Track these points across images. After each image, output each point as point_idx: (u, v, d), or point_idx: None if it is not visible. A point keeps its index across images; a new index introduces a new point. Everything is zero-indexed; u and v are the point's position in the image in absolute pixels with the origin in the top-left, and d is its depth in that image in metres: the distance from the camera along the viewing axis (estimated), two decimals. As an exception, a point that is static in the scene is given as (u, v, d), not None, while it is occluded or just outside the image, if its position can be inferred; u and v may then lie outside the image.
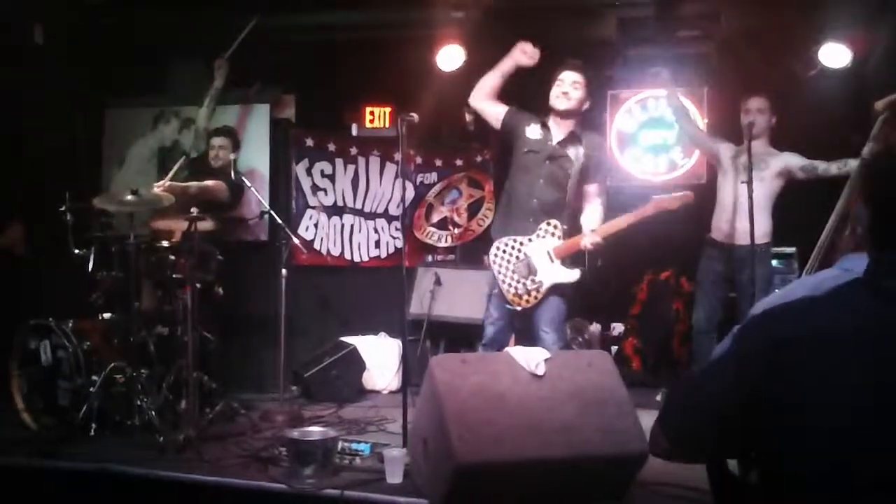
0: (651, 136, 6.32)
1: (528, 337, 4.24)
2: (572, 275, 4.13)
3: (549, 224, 4.16)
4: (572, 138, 4.22)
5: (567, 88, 4.18)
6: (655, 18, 5.79)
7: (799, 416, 1.37)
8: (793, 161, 4.78)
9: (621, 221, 4.10)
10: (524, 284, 4.15)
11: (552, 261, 4.12)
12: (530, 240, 4.17)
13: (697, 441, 1.57)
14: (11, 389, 4.46)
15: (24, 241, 5.39)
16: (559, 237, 4.15)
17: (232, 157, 5.33)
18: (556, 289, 4.14)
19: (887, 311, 1.36)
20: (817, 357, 1.37)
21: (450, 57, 5.68)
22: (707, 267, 4.96)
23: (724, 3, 5.67)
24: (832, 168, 4.60)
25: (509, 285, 4.17)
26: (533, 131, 4.25)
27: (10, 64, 5.21)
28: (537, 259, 4.14)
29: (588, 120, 6.35)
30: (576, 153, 4.19)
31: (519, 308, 4.17)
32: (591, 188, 4.23)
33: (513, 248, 4.19)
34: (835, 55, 5.15)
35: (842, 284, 1.43)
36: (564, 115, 4.21)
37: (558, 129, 4.24)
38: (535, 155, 4.22)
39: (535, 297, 4.13)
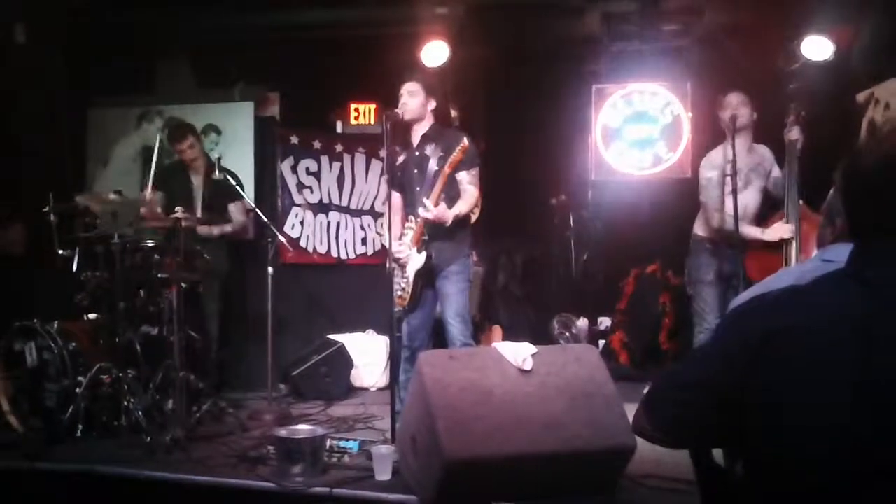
0: (636, 130, 6.33)
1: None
2: (421, 258, 4.24)
3: (411, 220, 4.32)
4: (425, 140, 4.38)
5: (405, 99, 4.35)
6: (639, 13, 5.81)
7: (787, 409, 1.37)
8: (776, 173, 4.77)
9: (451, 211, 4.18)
10: (402, 283, 4.31)
11: (412, 250, 4.26)
12: (401, 241, 4.33)
13: (681, 429, 1.58)
14: (-3, 392, 4.44)
15: (24, 241, 5.35)
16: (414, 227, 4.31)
17: (215, 155, 5.30)
18: (420, 276, 4.26)
19: (873, 301, 1.37)
20: (805, 348, 1.36)
21: (434, 53, 5.68)
22: (708, 265, 4.78)
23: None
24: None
25: (397, 287, 4.33)
26: (400, 159, 4.45)
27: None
28: (406, 254, 4.28)
29: (571, 113, 6.47)
30: (431, 150, 4.33)
31: (402, 308, 4.35)
32: (460, 176, 4.29)
33: (397, 254, 4.33)
34: (817, 48, 5.17)
35: (827, 274, 1.43)
36: (413, 122, 4.38)
37: (416, 136, 4.42)
38: (409, 171, 4.41)
39: (407, 291, 4.29)
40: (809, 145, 4.60)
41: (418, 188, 4.32)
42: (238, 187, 5.18)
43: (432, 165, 4.27)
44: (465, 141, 4.12)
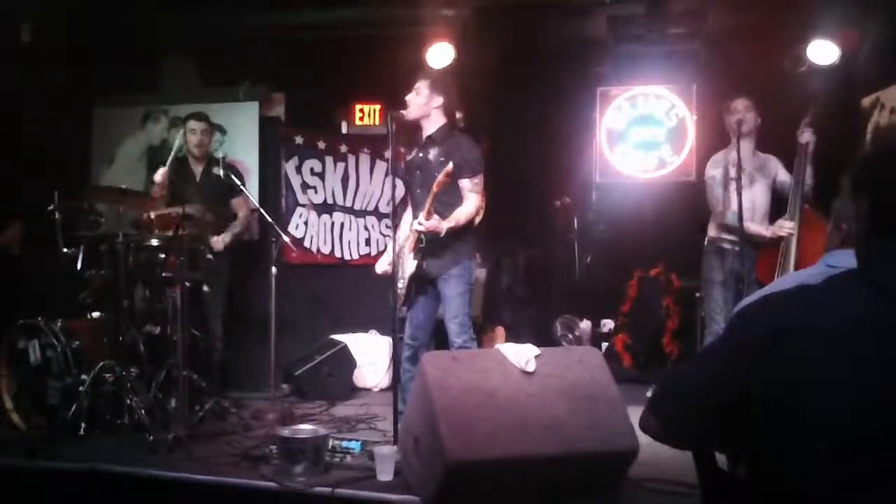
0: (640, 132, 6.33)
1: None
2: (412, 265, 4.25)
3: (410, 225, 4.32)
4: (430, 142, 4.34)
5: (410, 96, 4.32)
6: (645, 16, 5.81)
7: (789, 408, 1.37)
8: (782, 176, 4.75)
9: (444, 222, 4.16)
10: (399, 284, 4.29)
11: (409, 254, 4.28)
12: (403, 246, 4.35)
13: (687, 429, 1.58)
14: (0, 389, 4.44)
15: (22, 240, 5.36)
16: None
17: (220, 154, 5.30)
18: (413, 281, 4.27)
19: (884, 304, 1.36)
20: (811, 348, 1.36)
21: (439, 54, 5.68)
22: (717, 265, 4.78)
23: (713, 0, 5.70)
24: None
25: (399, 290, 4.31)
26: (409, 157, 4.46)
27: (-2, 63, 5.20)
28: (405, 259, 4.30)
29: (576, 115, 6.47)
30: (434, 154, 4.30)
31: (405, 309, 4.34)
32: (462, 183, 4.26)
33: (399, 257, 4.33)
34: (823, 52, 5.17)
35: (837, 275, 1.43)
36: (419, 120, 4.34)
37: (423, 137, 4.40)
38: (412, 171, 4.40)
39: (402, 293, 4.29)
40: (819, 149, 4.61)
41: (419, 191, 4.31)
42: (241, 185, 5.18)
43: (433, 171, 4.24)
44: (450, 165, 4.07)
